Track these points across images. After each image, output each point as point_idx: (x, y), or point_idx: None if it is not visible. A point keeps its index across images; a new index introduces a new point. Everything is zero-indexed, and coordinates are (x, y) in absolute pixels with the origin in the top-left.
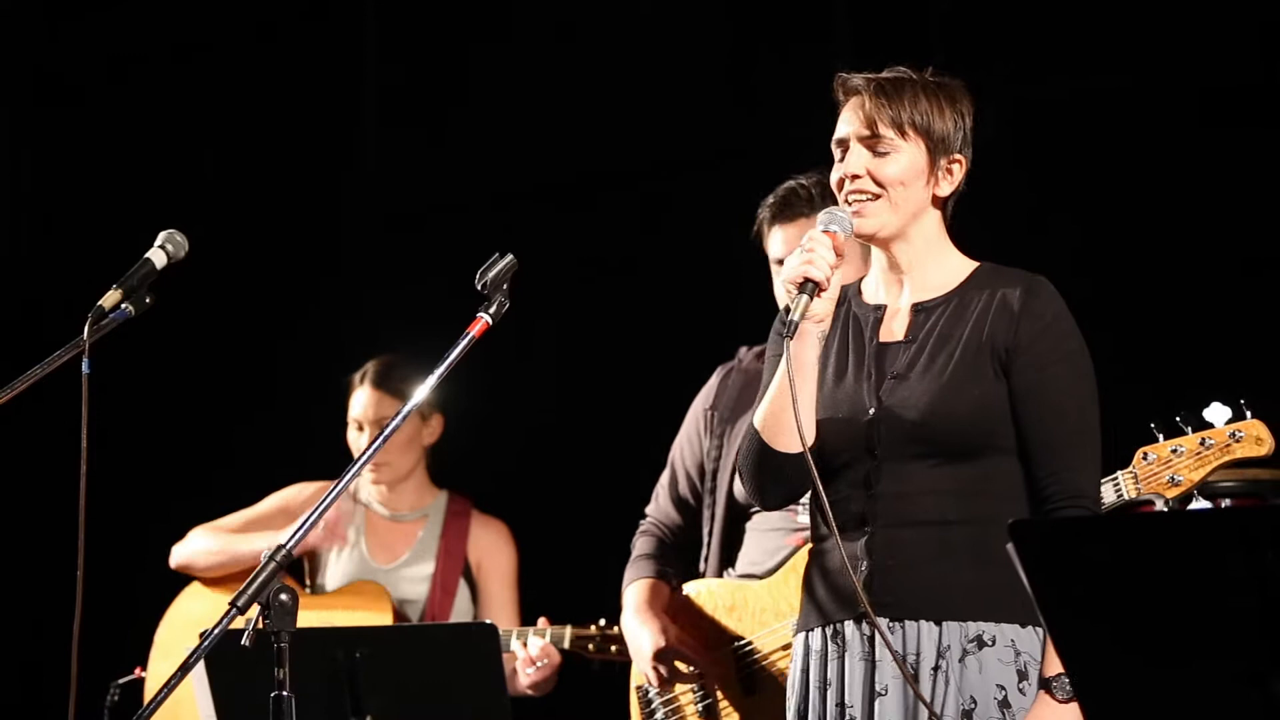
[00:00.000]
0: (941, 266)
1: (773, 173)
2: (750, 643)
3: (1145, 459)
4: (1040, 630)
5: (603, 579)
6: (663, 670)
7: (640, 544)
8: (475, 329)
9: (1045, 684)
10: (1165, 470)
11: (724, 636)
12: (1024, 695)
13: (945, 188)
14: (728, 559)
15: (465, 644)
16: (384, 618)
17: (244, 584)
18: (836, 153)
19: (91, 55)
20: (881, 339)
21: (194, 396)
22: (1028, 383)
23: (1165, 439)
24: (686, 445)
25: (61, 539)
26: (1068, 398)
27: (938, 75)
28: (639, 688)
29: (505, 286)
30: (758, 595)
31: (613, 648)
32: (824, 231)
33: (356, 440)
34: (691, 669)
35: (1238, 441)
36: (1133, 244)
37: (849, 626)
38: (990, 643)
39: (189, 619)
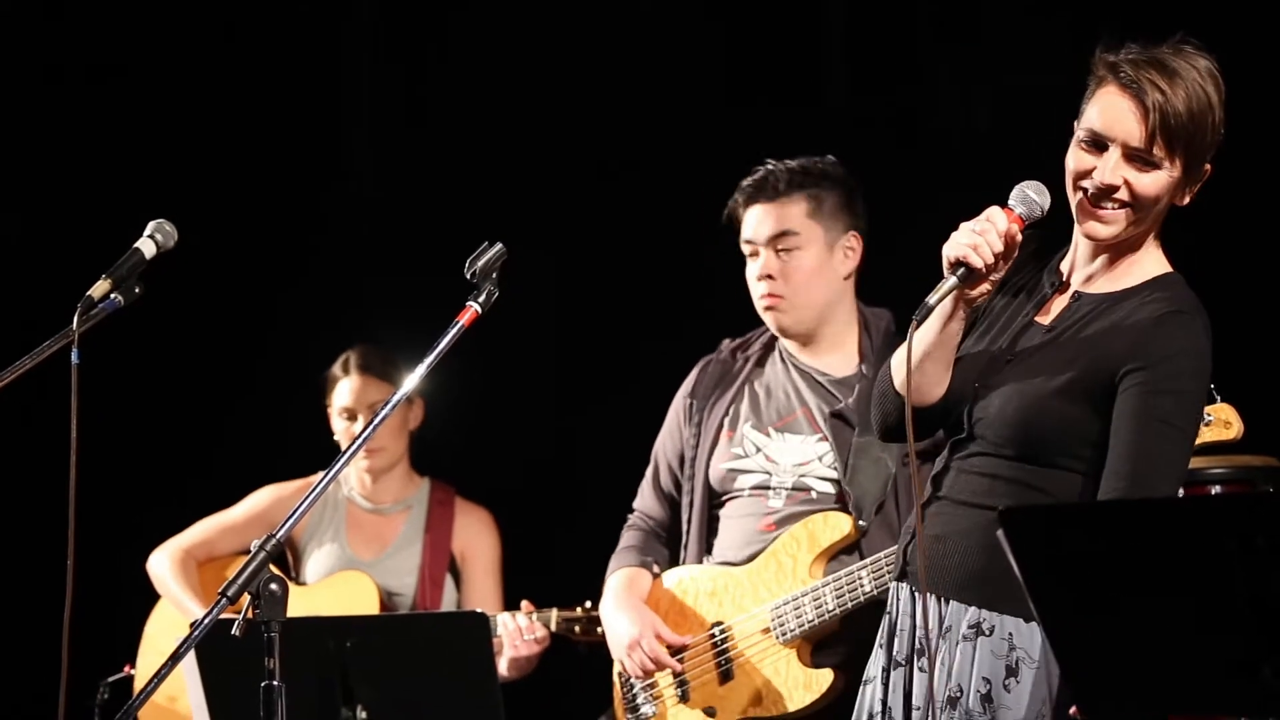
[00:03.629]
0: (1132, 266)
1: (768, 153)
2: (728, 628)
3: None
4: None
5: (587, 563)
6: (637, 658)
7: (625, 537)
8: (464, 318)
9: None
10: None
11: (703, 622)
12: (1008, 692)
13: (1187, 199)
14: (706, 546)
15: (456, 633)
16: (370, 607)
17: (234, 574)
18: (1085, 138)
19: (83, 45)
20: (1035, 317)
21: (183, 388)
22: (1130, 403)
23: None
24: (668, 437)
25: (49, 533)
26: (1163, 429)
27: (1195, 57)
28: (620, 674)
29: (494, 275)
30: (738, 581)
31: (599, 629)
32: (1005, 209)
33: (347, 430)
34: (668, 657)
35: (1207, 425)
36: None
37: (898, 587)
38: (988, 632)
39: (178, 615)
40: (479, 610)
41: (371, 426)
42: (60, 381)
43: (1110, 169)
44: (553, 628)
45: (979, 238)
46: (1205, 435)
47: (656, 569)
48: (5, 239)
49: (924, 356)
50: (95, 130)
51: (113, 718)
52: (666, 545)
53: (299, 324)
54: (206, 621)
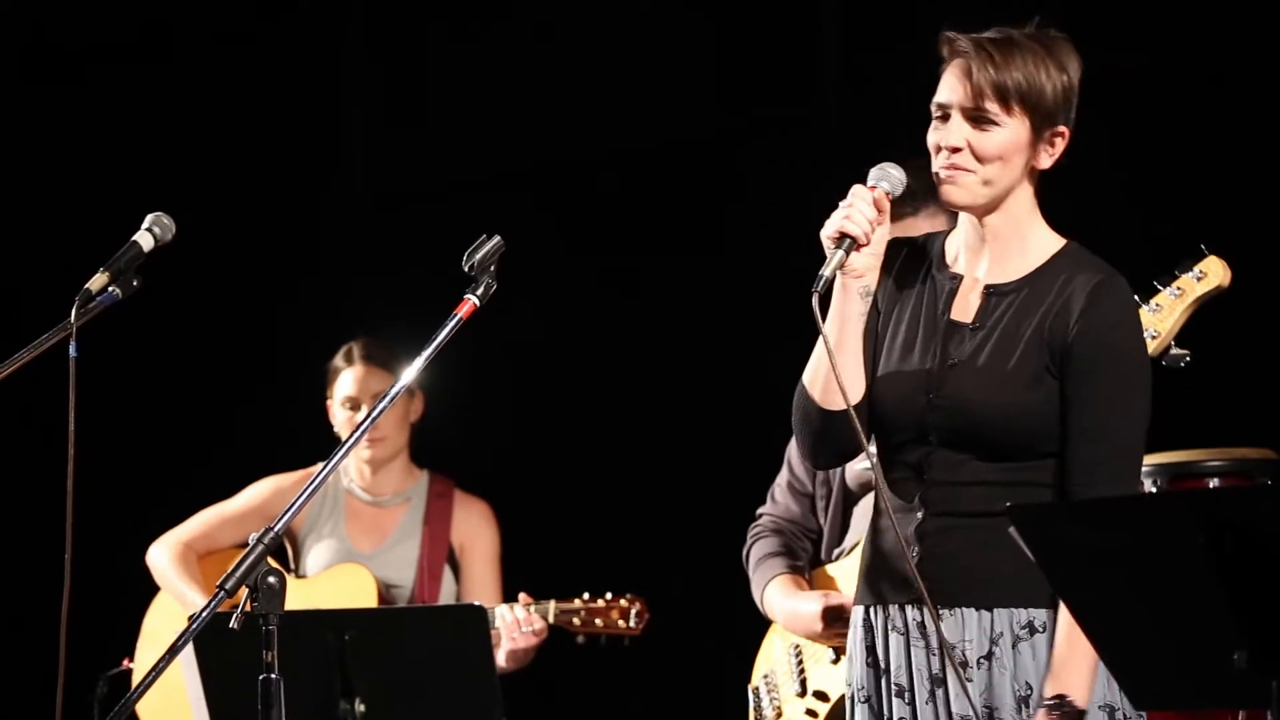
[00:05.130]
0: (1025, 244)
1: (757, 155)
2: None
3: None
4: None
5: (586, 556)
6: (829, 623)
7: (761, 546)
8: (462, 311)
9: None
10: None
11: None
12: None
13: (1045, 160)
14: (839, 540)
15: (454, 626)
16: (369, 600)
17: (231, 567)
18: (935, 114)
19: (80, 36)
20: (953, 316)
21: (181, 383)
22: (1075, 391)
23: (1144, 303)
24: None
25: (47, 528)
26: (1114, 411)
27: (1044, 34)
28: (754, 689)
29: (492, 268)
30: (847, 573)
31: (597, 621)
32: (869, 187)
33: (350, 420)
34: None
35: (1199, 280)
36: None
37: (909, 610)
38: (1041, 629)
39: (176, 608)
40: (477, 603)
41: (370, 418)
42: (59, 375)
43: (951, 132)
44: (550, 620)
45: (850, 209)
46: (1198, 289)
47: (806, 571)
48: (3, 231)
49: (836, 348)
50: (92, 123)
51: (111, 712)
52: (800, 541)
53: (298, 316)
54: (204, 615)
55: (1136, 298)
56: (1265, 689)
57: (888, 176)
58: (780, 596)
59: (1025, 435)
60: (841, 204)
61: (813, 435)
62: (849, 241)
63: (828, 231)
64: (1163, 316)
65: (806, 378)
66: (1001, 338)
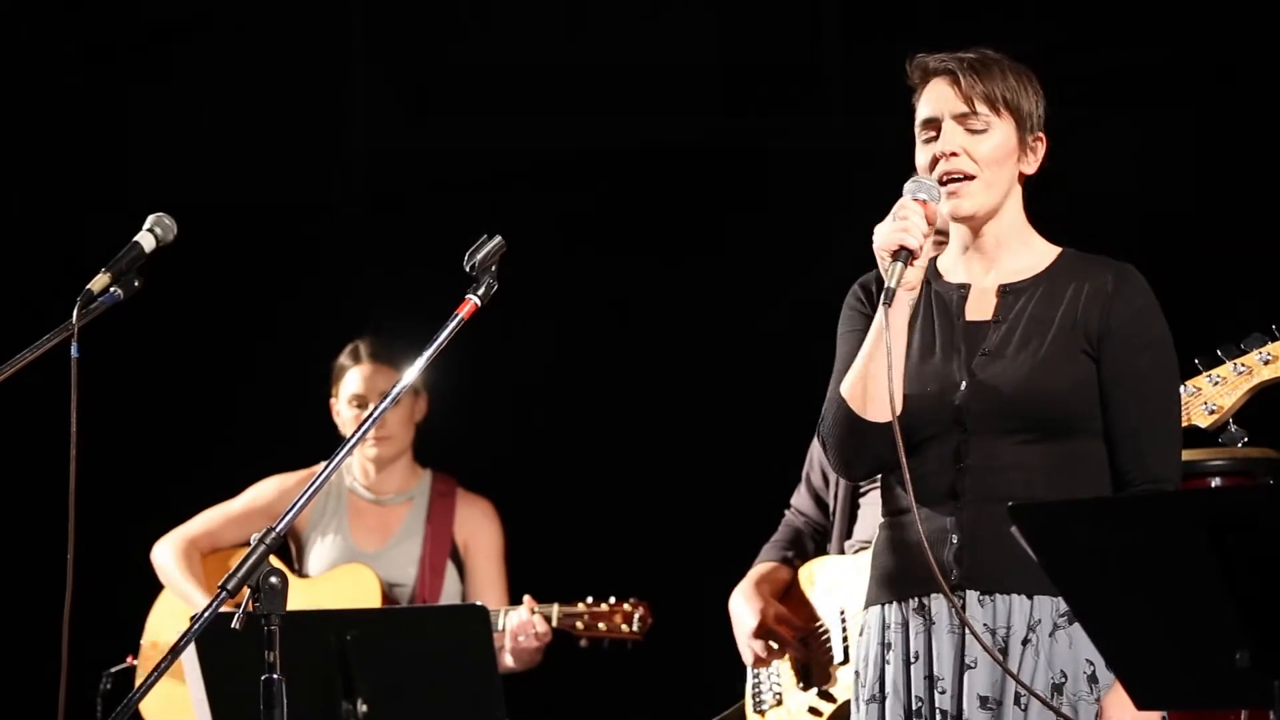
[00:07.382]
0: (1027, 248)
1: (759, 156)
2: (843, 614)
3: (1186, 391)
4: None
5: (589, 559)
6: (757, 649)
7: (778, 531)
8: (464, 310)
9: None
10: (1200, 400)
11: (828, 610)
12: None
13: (1031, 165)
14: (848, 533)
15: (456, 626)
16: (372, 600)
17: (234, 567)
18: (924, 133)
19: (81, 35)
20: (968, 318)
21: (182, 382)
22: (1116, 367)
23: (1205, 369)
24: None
25: (51, 525)
26: (1153, 383)
27: (1005, 54)
28: (755, 670)
29: (493, 268)
30: (859, 570)
31: (600, 625)
32: (914, 200)
33: (357, 418)
34: (786, 646)
35: (1266, 364)
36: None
37: (935, 600)
38: None
39: (180, 606)
40: (479, 603)
41: (372, 417)
42: (62, 374)
43: (947, 139)
44: (554, 623)
45: (906, 222)
46: (1264, 374)
47: (798, 564)
48: (5, 231)
49: (881, 352)
50: (93, 123)
51: (115, 709)
52: (814, 540)
53: (299, 315)
54: (206, 615)
55: (1196, 362)
56: (1268, 688)
57: (925, 188)
58: (738, 590)
59: (1062, 412)
60: (894, 217)
61: (852, 448)
62: (906, 254)
63: (885, 244)
64: (1224, 391)
65: (845, 390)
66: (1029, 326)
